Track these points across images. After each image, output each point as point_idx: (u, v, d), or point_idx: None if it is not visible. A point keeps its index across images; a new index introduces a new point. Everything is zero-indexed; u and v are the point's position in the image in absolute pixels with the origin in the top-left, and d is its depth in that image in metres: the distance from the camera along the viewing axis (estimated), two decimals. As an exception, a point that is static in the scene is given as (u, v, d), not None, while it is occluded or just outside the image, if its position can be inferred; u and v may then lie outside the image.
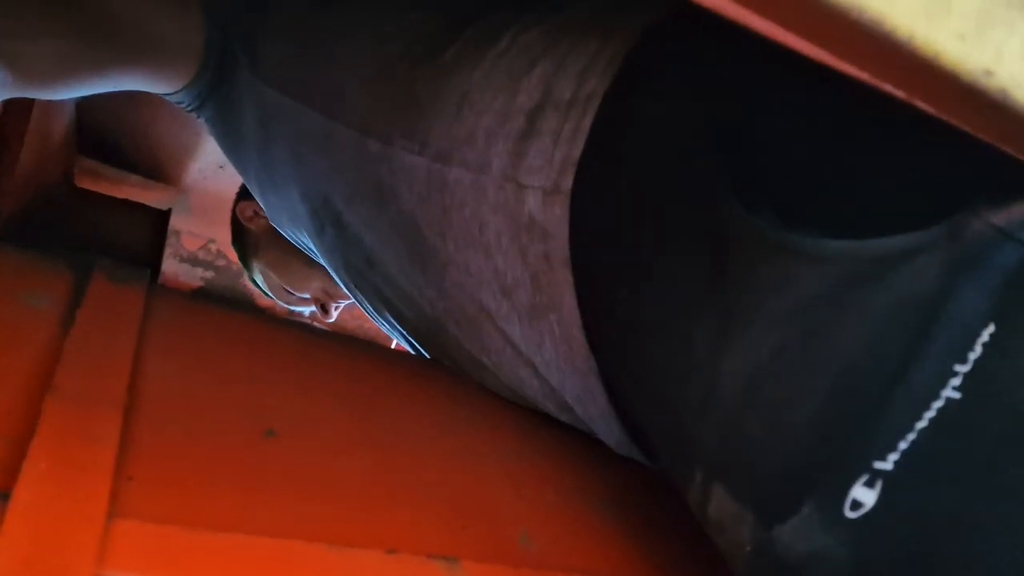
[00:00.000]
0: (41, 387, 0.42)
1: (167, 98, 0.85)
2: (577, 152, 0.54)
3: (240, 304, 2.00)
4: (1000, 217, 0.37)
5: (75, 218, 1.59)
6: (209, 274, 1.96)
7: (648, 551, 0.53)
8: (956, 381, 0.37)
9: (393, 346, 2.22)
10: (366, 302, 0.82)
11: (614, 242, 0.53)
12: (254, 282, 1.41)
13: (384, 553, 0.41)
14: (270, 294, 1.38)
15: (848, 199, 0.43)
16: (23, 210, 1.32)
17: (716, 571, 0.55)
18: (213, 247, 1.94)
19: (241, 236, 1.40)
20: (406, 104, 0.63)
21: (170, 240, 1.80)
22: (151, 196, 1.69)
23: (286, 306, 1.38)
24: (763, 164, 0.46)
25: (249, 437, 0.47)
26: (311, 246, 0.86)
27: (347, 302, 1.33)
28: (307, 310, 1.38)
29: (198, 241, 1.90)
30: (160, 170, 1.69)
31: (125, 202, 1.67)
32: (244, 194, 1.37)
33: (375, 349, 0.76)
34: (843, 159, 0.44)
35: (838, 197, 0.43)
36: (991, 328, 0.36)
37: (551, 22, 0.60)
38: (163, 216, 1.76)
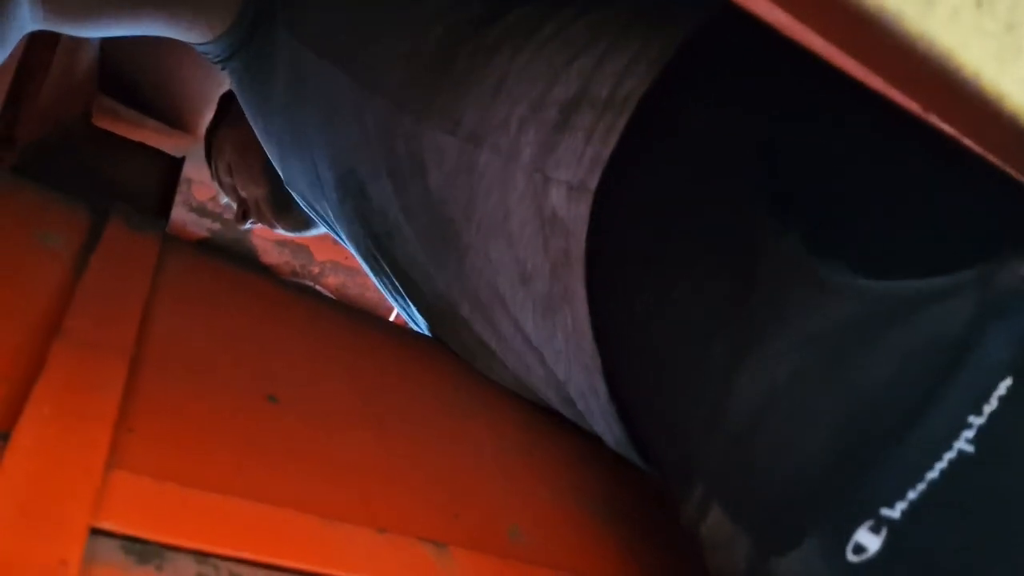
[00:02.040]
0: (49, 329, 0.41)
1: (196, 47, 0.84)
2: (608, 152, 0.53)
3: (244, 259, 2.00)
4: None
5: (89, 155, 1.59)
6: (216, 226, 1.96)
7: (637, 556, 0.53)
8: (970, 433, 0.36)
9: (393, 317, 2.22)
10: (380, 276, 0.81)
11: (637, 246, 0.53)
12: (208, 148, 1.28)
13: (375, 531, 0.41)
14: (214, 166, 1.27)
15: (881, 234, 0.42)
16: (39, 141, 1.32)
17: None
18: (223, 199, 1.93)
19: (232, 98, 1.28)
20: (443, 83, 0.62)
21: (181, 188, 1.80)
22: (167, 142, 1.69)
23: (216, 185, 1.28)
24: (800, 186, 0.45)
25: (251, 400, 0.47)
26: (328, 212, 0.86)
27: (275, 229, 1.25)
28: (227, 200, 1.28)
29: (209, 191, 1.90)
30: (178, 117, 1.69)
31: (140, 145, 1.66)
32: None
33: (383, 324, 0.76)
34: (880, 189, 0.43)
35: (871, 231, 0.42)
36: (1008, 381, 0.36)
37: (596, 15, 0.59)
38: (176, 163, 1.75)
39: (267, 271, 1.79)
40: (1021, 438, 0.36)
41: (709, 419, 0.44)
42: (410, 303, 0.78)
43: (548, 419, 0.68)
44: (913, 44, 0.25)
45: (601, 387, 0.58)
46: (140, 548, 0.33)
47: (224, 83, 1.53)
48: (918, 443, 0.37)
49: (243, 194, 1.20)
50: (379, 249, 0.76)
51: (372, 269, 0.82)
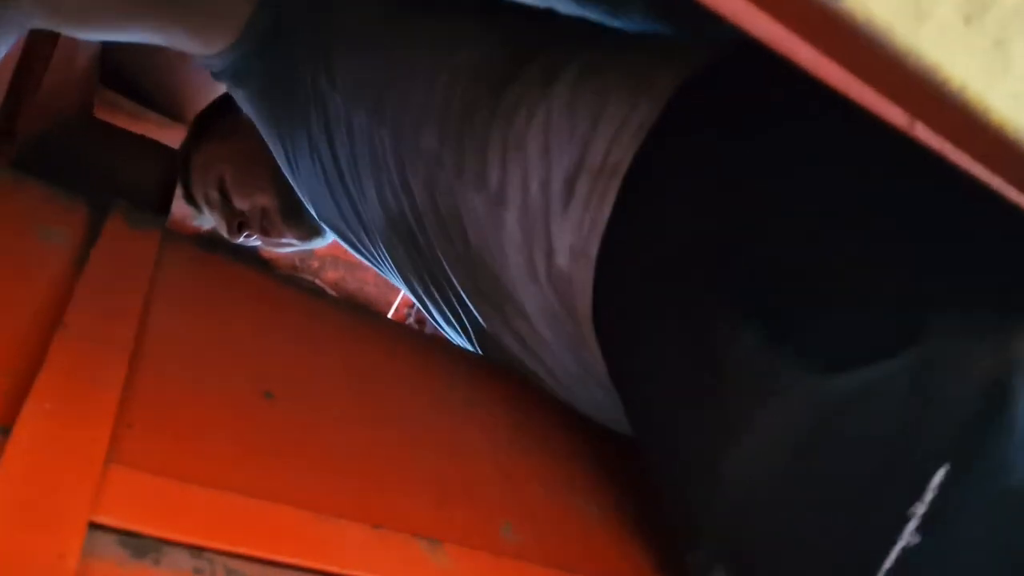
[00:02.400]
0: (50, 323, 0.42)
1: (196, 60, 0.84)
2: (603, 220, 0.56)
3: (243, 254, 2.00)
4: (964, 350, 0.39)
5: (90, 148, 1.59)
6: (215, 220, 1.96)
7: (631, 554, 0.54)
8: (914, 523, 0.39)
9: (391, 314, 2.22)
10: (434, 311, 0.84)
11: (626, 319, 0.56)
12: (185, 170, 1.23)
13: (370, 528, 0.41)
14: (194, 185, 1.22)
15: (829, 324, 0.44)
16: (39, 134, 1.32)
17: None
18: (198, 220, 1.93)
19: (214, 115, 1.24)
20: (470, 142, 0.65)
21: (180, 182, 1.80)
22: (168, 134, 1.69)
23: (192, 204, 1.23)
24: (753, 278, 0.48)
25: (248, 396, 0.48)
26: (369, 248, 0.87)
27: (276, 240, 1.20)
28: (211, 221, 1.21)
29: (209, 185, 1.89)
30: (179, 110, 1.69)
31: (140, 138, 1.66)
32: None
33: (380, 320, 0.76)
34: (828, 277, 0.45)
35: (820, 322, 0.45)
36: (946, 468, 0.38)
37: (598, 72, 0.61)
38: (176, 156, 1.75)
39: (266, 265, 1.80)
40: (963, 525, 0.38)
41: (706, 499, 0.48)
42: (463, 336, 0.81)
43: (544, 418, 0.69)
44: (902, 58, 0.26)
45: (624, 419, 0.62)
46: (137, 542, 0.34)
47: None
48: (871, 533, 0.40)
49: (242, 206, 1.17)
50: (435, 289, 0.79)
51: (421, 305, 0.85)
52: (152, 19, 0.75)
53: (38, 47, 1.15)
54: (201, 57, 0.83)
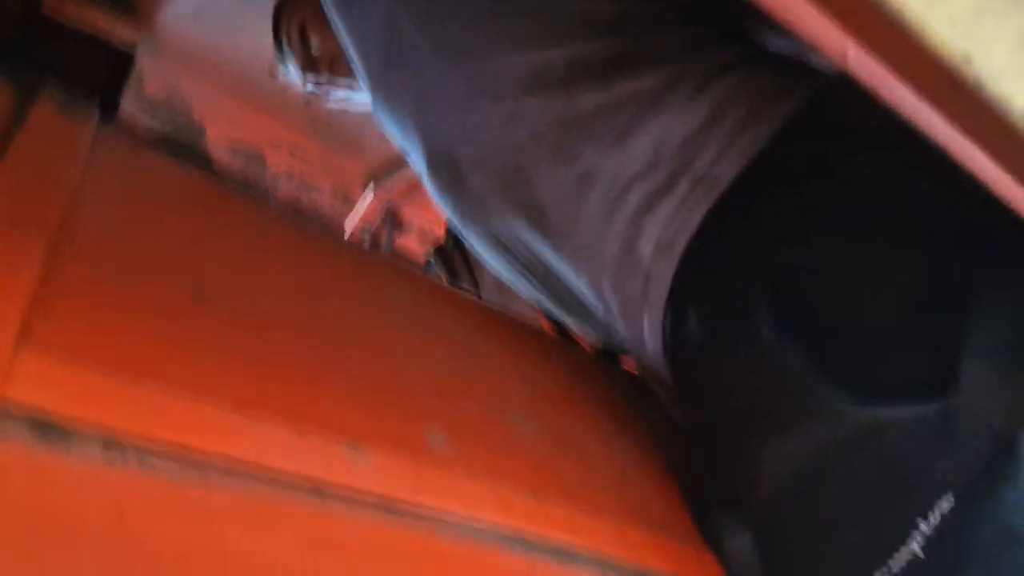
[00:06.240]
0: (-36, 204, 0.40)
1: None
2: (695, 222, 0.61)
3: (196, 161, 1.94)
4: (988, 409, 0.47)
5: (34, 43, 1.51)
6: (167, 127, 1.90)
7: (560, 473, 0.55)
8: (920, 538, 0.47)
9: (346, 237, 2.19)
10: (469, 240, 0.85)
11: (694, 314, 0.62)
12: (277, 18, 1.28)
13: (292, 428, 0.41)
14: (283, 32, 1.27)
15: (866, 362, 0.52)
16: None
17: (626, 494, 0.57)
18: (176, 96, 1.87)
19: None
20: (565, 116, 0.66)
21: (132, 81, 1.73)
22: (117, 30, 1.61)
23: (280, 54, 1.29)
24: (805, 302, 0.55)
25: (177, 295, 0.47)
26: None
27: (341, 84, 1.24)
28: (290, 72, 1.27)
29: (161, 87, 1.83)
30: (132, 5, 1.61)
31: (86, 34, 1.59)
32: None
33: (329, 235, 0.75)
34: (868, 319, 0.54)
35: (859, 351, 0.53)
36: (950, 498, 0.47)
37: (717, 84, 0.64)
38: (127, 59, 1.68)
39: (219, 176, 1.75)
40: (960, 549, 0.47)
41: (746, 479, 0.56)
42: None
43: (487, 337, 0.69)
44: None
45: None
46: (47, 428, 0.33)
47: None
48: (883, 533, 0.49)
49: (318, 51, 1.21)
50: (473, 227, 0.79)
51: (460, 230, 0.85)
52: None
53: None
54: None
